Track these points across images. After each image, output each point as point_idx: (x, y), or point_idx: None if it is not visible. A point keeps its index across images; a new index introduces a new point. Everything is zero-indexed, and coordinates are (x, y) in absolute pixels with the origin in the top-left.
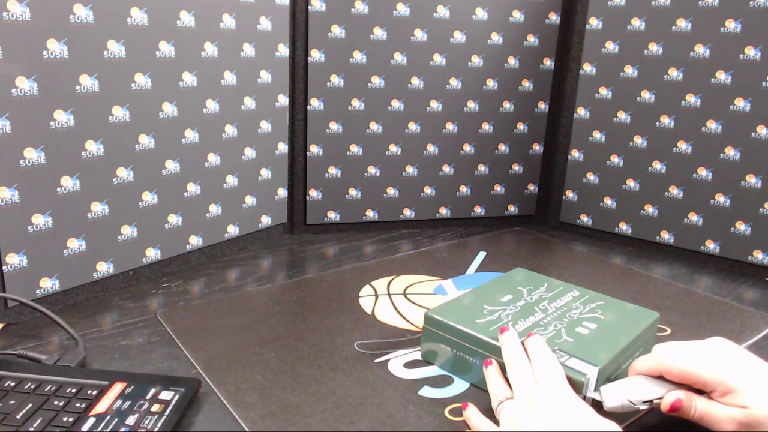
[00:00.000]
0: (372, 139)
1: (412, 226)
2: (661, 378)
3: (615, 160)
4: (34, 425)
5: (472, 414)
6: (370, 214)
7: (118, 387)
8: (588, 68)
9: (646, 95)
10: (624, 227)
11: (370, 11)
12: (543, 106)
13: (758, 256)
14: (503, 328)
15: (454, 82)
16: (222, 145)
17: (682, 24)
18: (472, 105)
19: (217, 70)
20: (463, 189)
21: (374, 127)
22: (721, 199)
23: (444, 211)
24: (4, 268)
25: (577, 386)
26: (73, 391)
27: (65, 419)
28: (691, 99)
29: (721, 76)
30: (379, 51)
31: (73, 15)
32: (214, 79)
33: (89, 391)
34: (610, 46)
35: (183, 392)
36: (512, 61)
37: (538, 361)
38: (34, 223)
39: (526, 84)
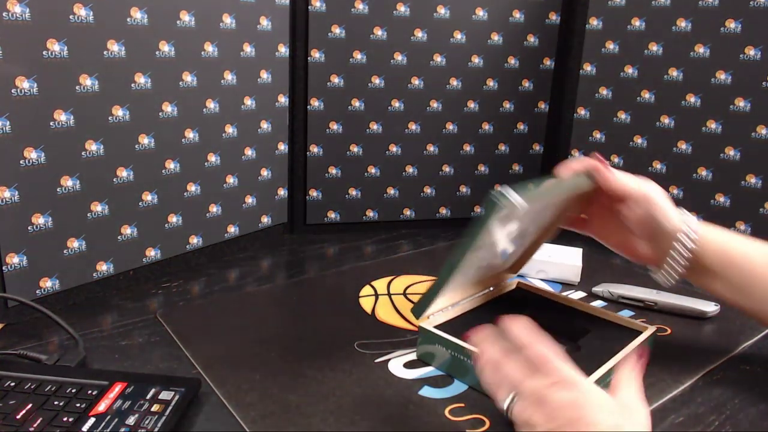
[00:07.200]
0: (372, 139)
1: (412, 226)
2: None
3: (615, 160)
4: (34, 425)
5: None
6: (370, 214)
7: (118, 387)
8: (588, 68)
9: (646, 95)
10: None
11: (370, 11)
12: (543, 106)
13: None
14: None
15: (454, 82)
16: (222, 145)
17: (682, 24)
18: (472, 105)
19: (217, 70)
20: (463, 189)
21: (374, 127)
22: (721, 199)
23: (444, 211)
24: (4, 268)
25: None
26: (73, 391)
27: (65, 419)
28: (691, 99)
29: (721, 76)
30: (379, 51)
31: (73, 15)
32: (214, 79)
33: (89, 391)
34: (610, 46)
35: (183, 392)
36: (512, 61)
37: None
38: (34, 223)
39: (526, 84)
